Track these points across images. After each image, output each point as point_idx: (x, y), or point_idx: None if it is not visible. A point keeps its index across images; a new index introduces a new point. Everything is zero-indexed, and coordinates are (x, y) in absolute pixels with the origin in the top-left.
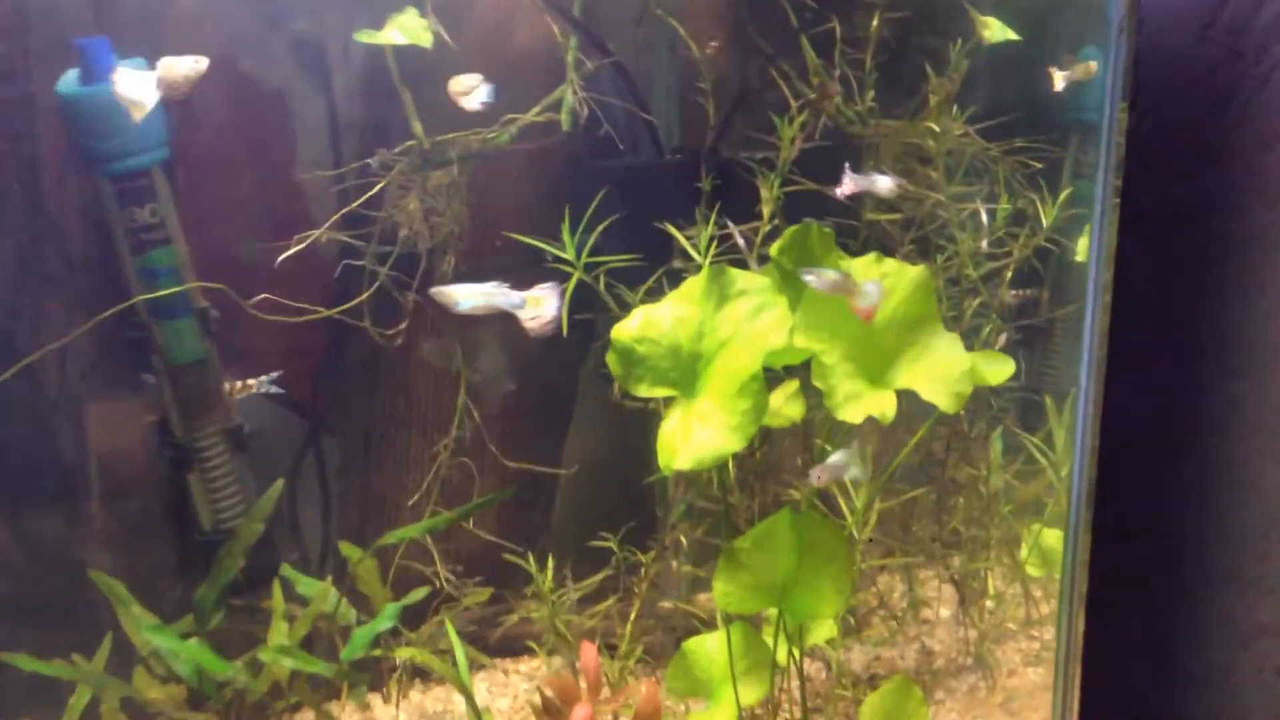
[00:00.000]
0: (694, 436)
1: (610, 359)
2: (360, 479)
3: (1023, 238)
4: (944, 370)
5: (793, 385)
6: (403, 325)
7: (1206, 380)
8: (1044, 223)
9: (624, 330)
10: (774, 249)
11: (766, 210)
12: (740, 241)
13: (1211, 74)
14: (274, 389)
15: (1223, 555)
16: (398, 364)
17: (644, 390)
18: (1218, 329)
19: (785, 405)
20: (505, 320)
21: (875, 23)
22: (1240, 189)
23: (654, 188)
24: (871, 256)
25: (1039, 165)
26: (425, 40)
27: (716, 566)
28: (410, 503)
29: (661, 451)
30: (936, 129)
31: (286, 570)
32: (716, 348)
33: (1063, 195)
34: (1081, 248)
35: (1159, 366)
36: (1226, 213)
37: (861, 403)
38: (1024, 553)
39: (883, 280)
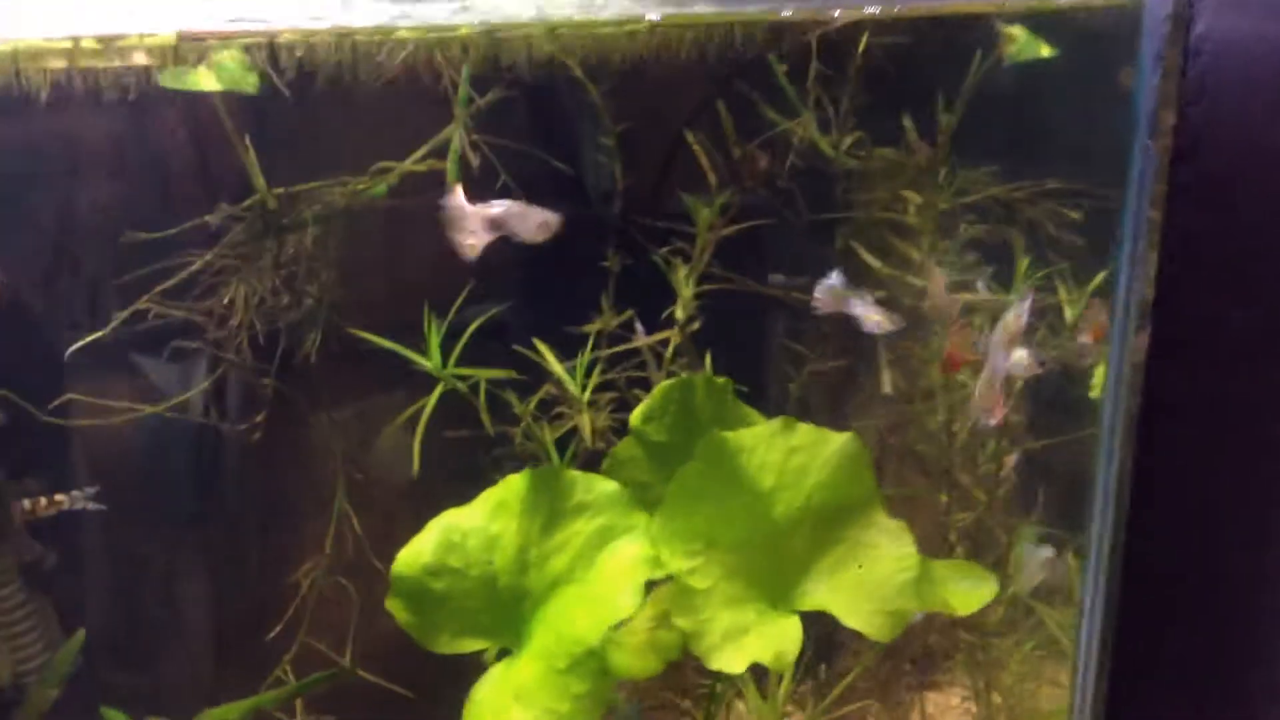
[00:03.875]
0: None
1: (393, 603)
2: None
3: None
4: (878, 582)
5: (658, 606)
6: (259, 417)
7: None
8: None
9: (413, 555)
10: (635, 415)
11: (680, 313)
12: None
13: None
14: (93, 504)
15: None
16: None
17: (446, 644)
18: None
19: (647, 643)
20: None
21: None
22: None
23: (579, 249)
24: (777, 424)
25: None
26: (248, 83)
27: None
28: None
29: None
30: (917, 198)
31: None
32: (547, 586)
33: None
34: (1099, 380)
35: None
36: None
37: (748, 640)
38: None
39: (793, 455)
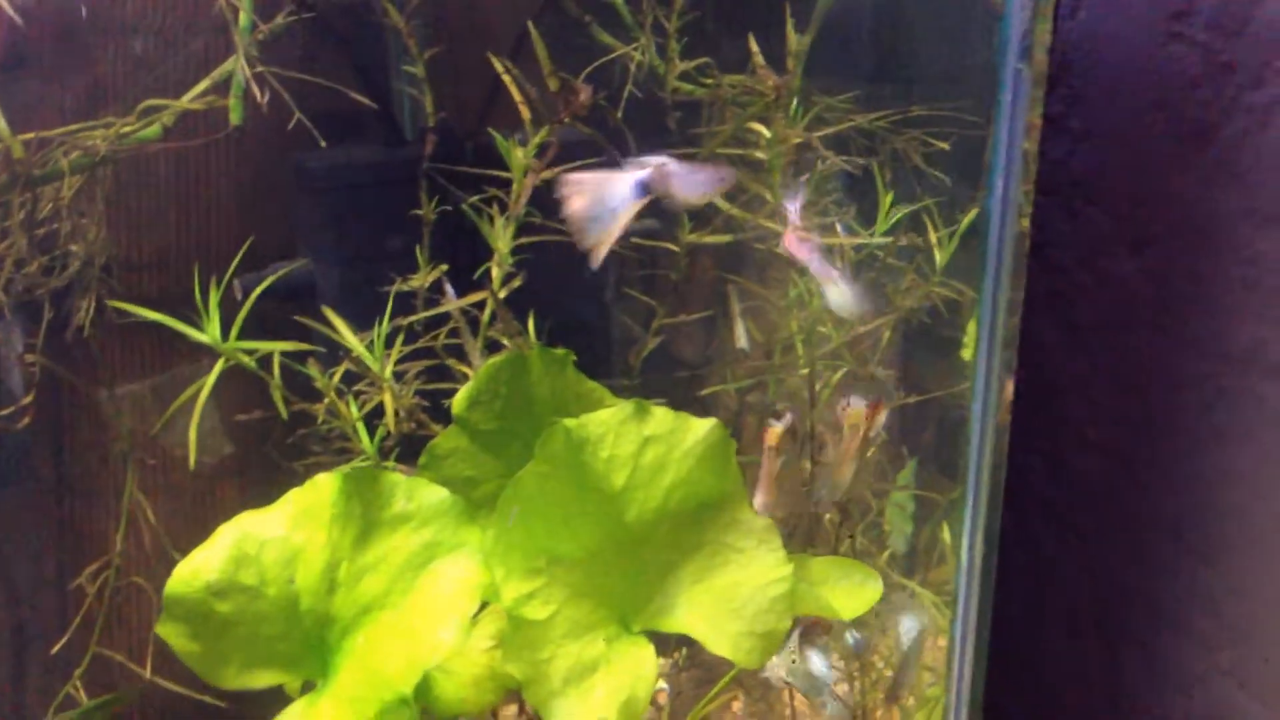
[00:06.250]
0: None
1: (166, 628)
2: None
3: (906, 280)
4: (745, 594)
5: (491, 626)
6: (26, 400)
7: None
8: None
9: (195, 570)
10: (459, 400)
11: (496, 271)
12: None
13: (1186, 92)
14: None
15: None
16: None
17: (233, 678)
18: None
19: (485, 672)
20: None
21: None
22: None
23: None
24: (629, 409)
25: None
26: None
27: None
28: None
29: None
30: (767, 132)
31: None
32: (358, 612)
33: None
34: (972, 334)
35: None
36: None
37: (595, 682)
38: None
39: (648, 447)
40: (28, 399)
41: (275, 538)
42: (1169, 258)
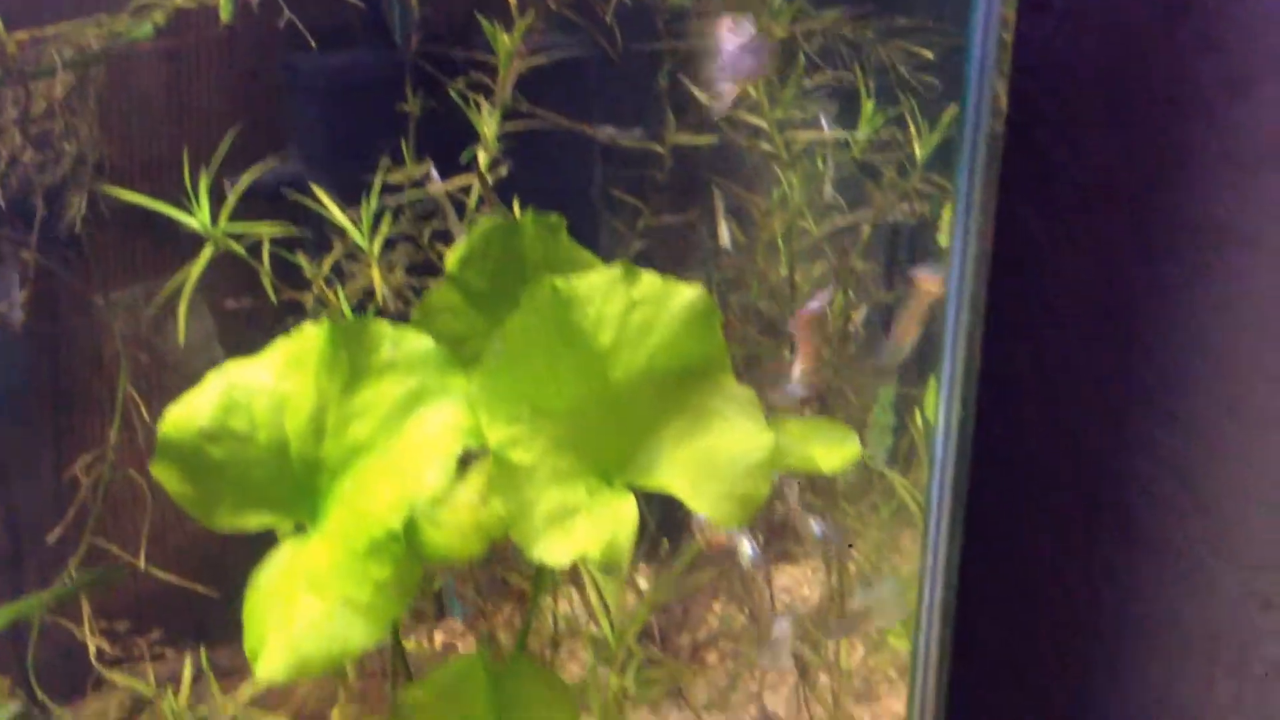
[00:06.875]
0: (298, 612)
1: (160, 470)
2: None
3: (888, 176)
4: (726, 457)
5: (478, 480)
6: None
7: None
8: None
9: (187, 415)
10: (452, 257)
11: (483, 158)
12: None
13: None
14: None
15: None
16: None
17: (226, 519)
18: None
19: (470, 523)
20: None
21: None
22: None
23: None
24: (618, 271)
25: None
26: None
27: None
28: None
29: (248, 626)
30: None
31: None
32: (346, 456)
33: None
34: (947, 221)
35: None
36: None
37: (576, 525)
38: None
39: (635, 309)
40: (24, 295)
41: (265, 386)
42: (1148, 132)
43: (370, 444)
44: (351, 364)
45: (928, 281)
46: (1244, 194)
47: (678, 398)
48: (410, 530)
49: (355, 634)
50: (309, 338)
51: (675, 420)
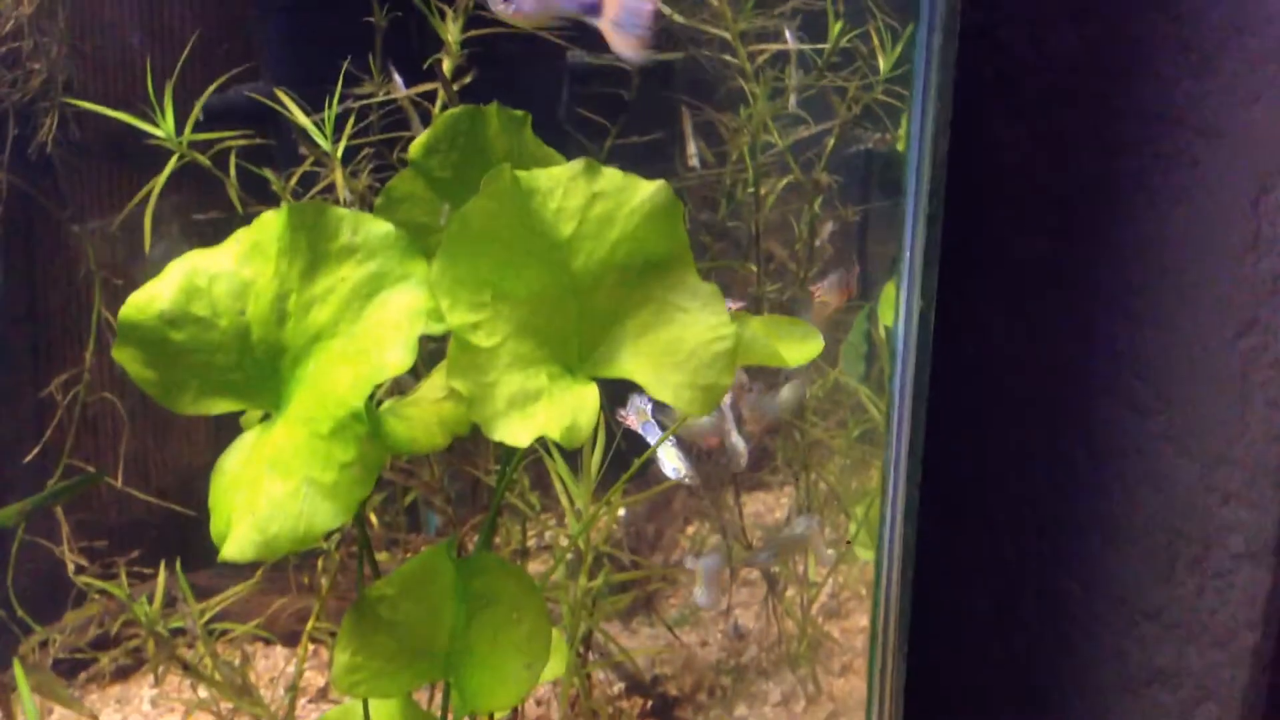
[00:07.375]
0: (263, 494)
1: (122, 353)
2: None
3: (851, 91)
4: (688, 349)
5: (440, 378)
6: None
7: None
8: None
9: (148, 299)
10: (415, 146)
11: (447, 64)
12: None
13: None
14: None
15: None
16: None
17: (189, 404)
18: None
19: (433, 416)
20: None
21: None
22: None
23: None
24: (579, 165)
25: None
26: None
27: (341, 626)
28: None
29: (214, 510)
30: None
31: None
32: (308, 341)
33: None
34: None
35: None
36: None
37: (537, 409)
38: (852, 529)
39: (596, 202)
40: None
41: (225, 271)
42: (1110, 27)
43: (332, 328)
44: (311, 248)
45: (825, 293)
46: (1203, 78)
47: (640, 291)
48: (375, 424)
49: (321, 514)
50: (268, 224)
51: (638, 313)
